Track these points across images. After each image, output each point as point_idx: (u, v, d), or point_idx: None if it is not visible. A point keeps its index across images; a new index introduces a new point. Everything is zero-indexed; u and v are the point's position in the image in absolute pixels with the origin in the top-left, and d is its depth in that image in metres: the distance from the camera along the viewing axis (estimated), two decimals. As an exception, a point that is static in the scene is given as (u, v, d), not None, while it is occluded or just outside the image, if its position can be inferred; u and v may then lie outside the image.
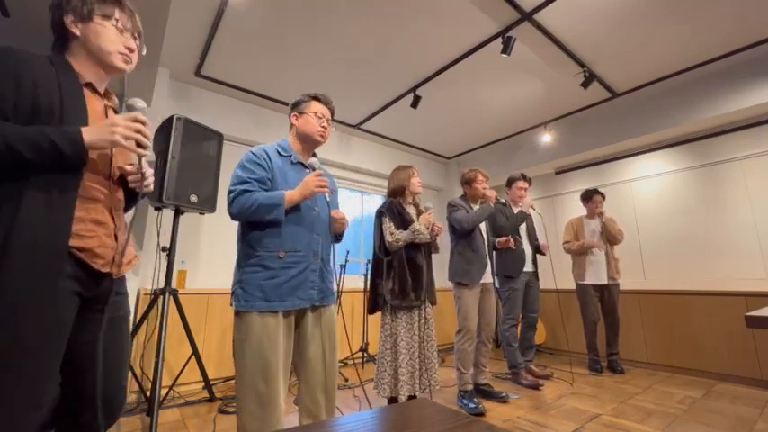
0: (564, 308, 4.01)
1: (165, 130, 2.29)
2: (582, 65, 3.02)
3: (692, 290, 3.28)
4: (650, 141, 3.73)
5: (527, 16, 2.47)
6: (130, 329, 1.15)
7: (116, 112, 1.09)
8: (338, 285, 3.46)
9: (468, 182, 2.68)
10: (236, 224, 1.46)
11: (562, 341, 4.06)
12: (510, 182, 3.18)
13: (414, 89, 3.35)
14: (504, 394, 2.51)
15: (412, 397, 2.07)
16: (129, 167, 1.03)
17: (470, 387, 2.41)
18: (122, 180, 1.06)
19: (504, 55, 2.61)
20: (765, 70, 2.92)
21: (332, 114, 1.59)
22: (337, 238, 1.60)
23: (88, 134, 0.86)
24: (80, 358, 0.93)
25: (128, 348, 1.10)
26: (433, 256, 2.37)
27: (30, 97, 0.85)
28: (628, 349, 3.50)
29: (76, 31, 0.96)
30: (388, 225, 2.21)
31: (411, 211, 2.34)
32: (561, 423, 2.11)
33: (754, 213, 3.14)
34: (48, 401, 0.86)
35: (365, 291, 3.67)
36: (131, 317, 1.15)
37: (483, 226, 2.64)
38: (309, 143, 1.54)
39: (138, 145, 0.93)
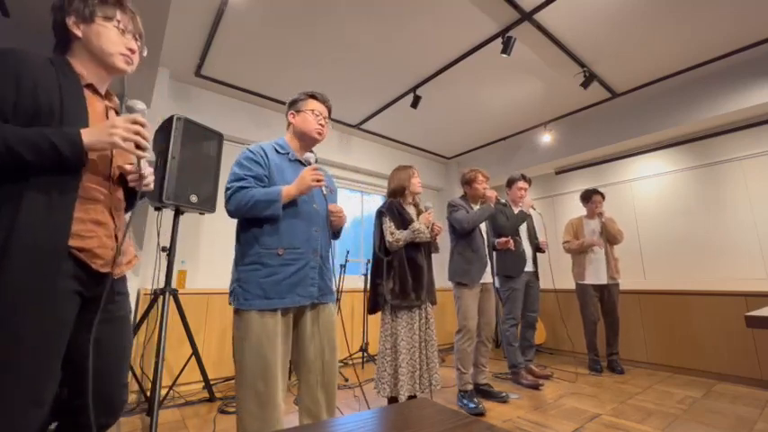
0: (564, 308, 4.02)
1: (164, 130, 2.29)
2: (582, 65, 3.02)
3: (692, 290, 3.28)
4: (650, 141, 3.73)
5: (527, 16, 2.47)
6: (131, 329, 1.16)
7: (117, 112, 1.09)
8: (338, 285, 3.46)
9: (468, 182, 2.68)
10: (235, 224, 1.45)
11: (562, 341, 4.06)
12: (510, 182, 3.18)
13: (414, 89, 3.35)
14: (504, 394, 2.52)
15: (412, 397, 2.07)
16: (128, 167, 1.03)
17: (470, 387, 2.41)
18: (122, 180, 1.06)
19: (504, 55, 2.61)
20: (765, 70, 2.92)
21: (329, 112, 1.59)
22: (335, 234, 1.58)
23: (87, 136, 0.86)
24: (80, 358, 0.93)
25: (129, 347, 1.10)
26: (433, 256, 2.38)
27: (30, 98, 0.85)
28: (628, 349, 3.50)
29: (78, 33, 0.96)
30: (389, 225, 2.21)
31: (411, 211, 2.34)
32: (561, 423, 2.12)
33: (754, 213, 3.14)
34: (48, 401, 0.86)
35: (365, 291, 3.67)
36: (131, 317, 1.15)
37: (483, 226, 2.64)
38: (307, 141, 1.54)
39: (138, 146, 0.93)
